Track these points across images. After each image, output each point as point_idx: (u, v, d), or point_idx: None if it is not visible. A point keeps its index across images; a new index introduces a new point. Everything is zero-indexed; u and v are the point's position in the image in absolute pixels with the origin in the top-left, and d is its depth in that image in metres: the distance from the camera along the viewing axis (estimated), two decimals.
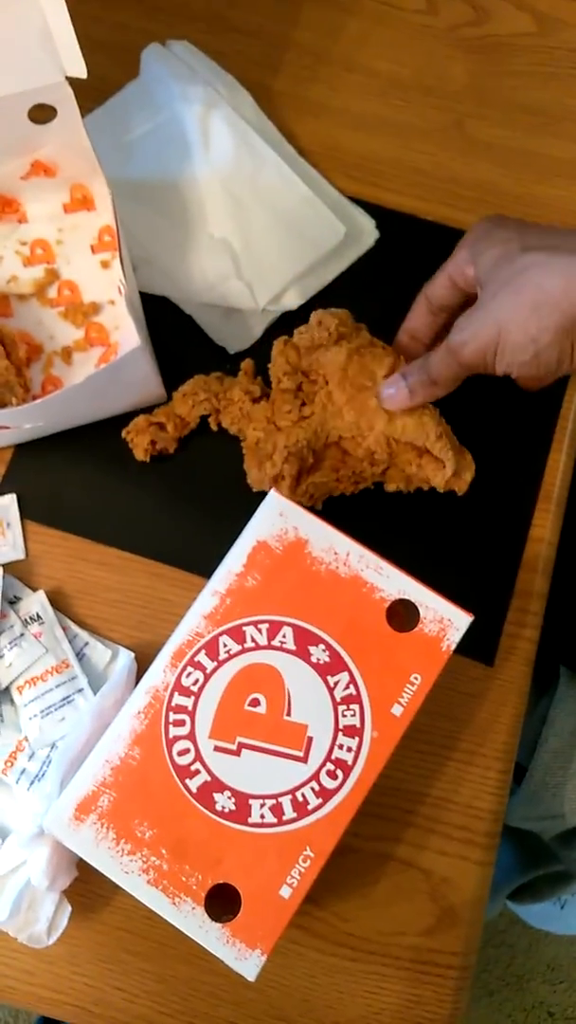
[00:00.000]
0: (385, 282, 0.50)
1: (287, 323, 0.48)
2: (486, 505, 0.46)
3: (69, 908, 0.39)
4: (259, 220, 0.49)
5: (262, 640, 0.37)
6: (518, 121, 0.53)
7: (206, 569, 0.45)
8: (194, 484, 0.47)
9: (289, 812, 0.36)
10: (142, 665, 0.41)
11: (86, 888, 0.40)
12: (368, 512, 0.46)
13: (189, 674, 0.37)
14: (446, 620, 0.38)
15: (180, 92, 0.50)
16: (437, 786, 0.43)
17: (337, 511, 0.45)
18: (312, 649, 0.37)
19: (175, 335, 0.49)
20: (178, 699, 0.37)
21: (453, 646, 0.37)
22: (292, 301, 0.49)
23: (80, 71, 0.40)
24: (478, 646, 0.45)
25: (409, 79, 0.54)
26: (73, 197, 0.50)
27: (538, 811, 0.54)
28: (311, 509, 0.44)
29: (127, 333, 0.47)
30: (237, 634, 0.37)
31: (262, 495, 0.45)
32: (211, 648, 0.37)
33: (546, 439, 0.48)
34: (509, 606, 0.46)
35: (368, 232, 0.51)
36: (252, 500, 0.45)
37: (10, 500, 0.46)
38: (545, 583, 0.47)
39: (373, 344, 0.45)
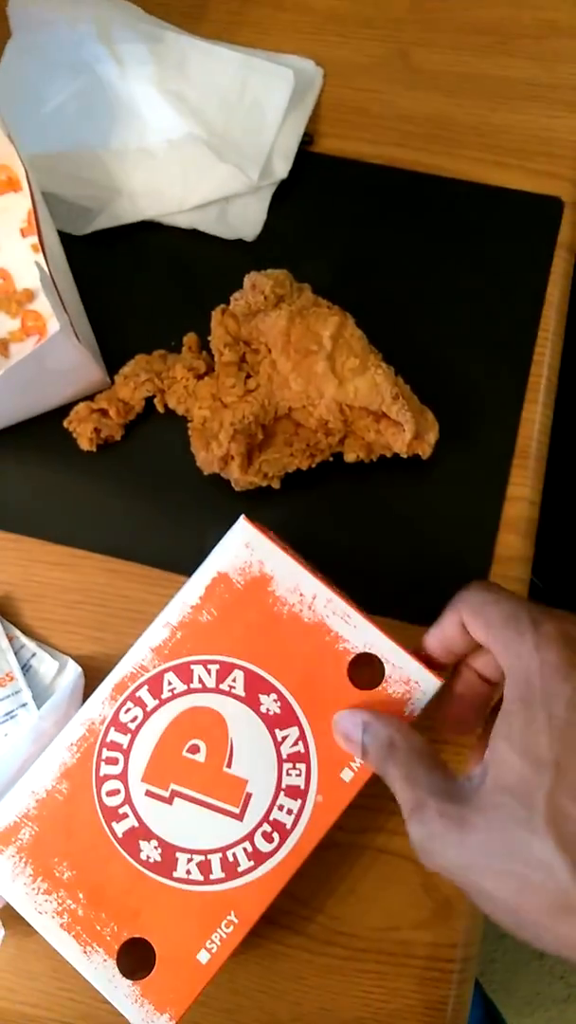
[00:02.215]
0: (334, 234, 0.46)
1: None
2: (458, 466, 0.43)
3: (2, 932, 0.37)
4: (209, 103, 0.47)
5: (210, 682, 0.34)
6: (468, 44, 0.48)
7: (163, 561, 0.43)
8: (145, 472, 0.44)
9: (217, 871, 0.33)
10: (104, 668, 0.39)
11: None
12: (331, 484, 0.43)
13: (128, 710, 0.34)
14: (413, 682, 0.34)
15: (69, 32, 0.48)
16: None
17: (297, 486, 0.43)
18: (263, 698, 0.34)
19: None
20: (113, 735, 0.34)
21: (418, 711, 0.34)
22: (281, 168, 0.46)
23: None
24: None
25: (345, 12, 0.49)
26: None
27: None
28: (268, 492, 0.41)
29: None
30: (184, 672, 0.35)
31: (218, 481, 0.43)
32: (155, 685, 0.35)
33: (520, 389, 0.44)
34: (489, 572, 0.42)
35: (313, 72, 0.49)
36: (206, 486, 0.43)
37: None
38: (529, 546, 0.43)
39: (317, 304, 0.41)
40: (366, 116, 0.48)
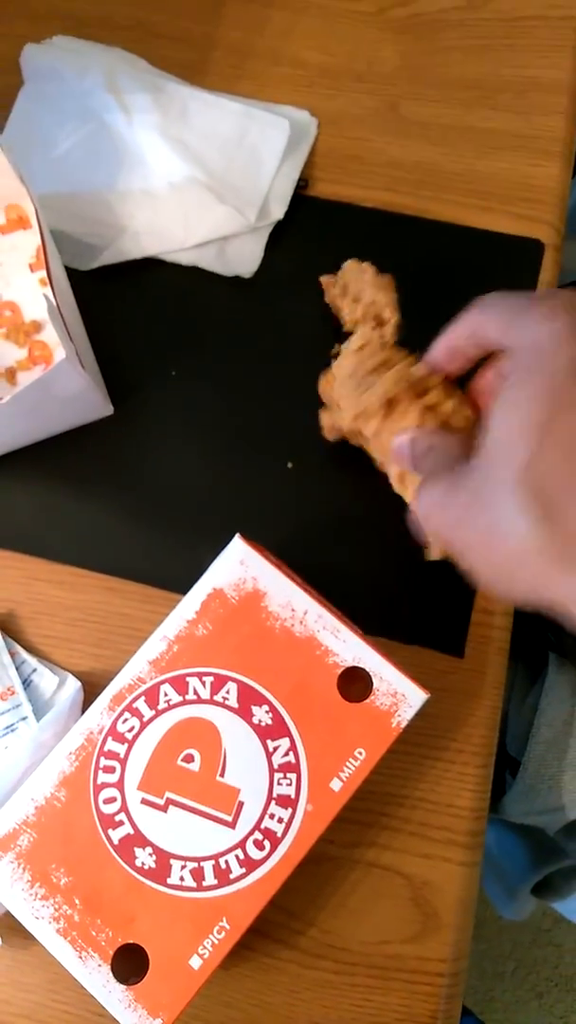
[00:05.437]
0: (326, 272, 0.49)
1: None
2: None
3: None
4: (210, 149, 0.50)
5: (204, 694, 0.36)
6: (454, 97, 0.52)
7: (161, 581, 0.45)
8: (145, 494, 0.46)
9: (210, 878, 0.34)
10: (102, 684, 0.41)
11: None
12: (316, 504, 0.45)
13: (125, 720, 0.36)
14: (400, 695, 0.35)
15: (78, 82, 0.51)
16: (413, 786, 0.42)
17: (287, 510, 0.44)
18: (255, 709, 0.36)
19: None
20: (111, 744, 0.35)
21: (404, 723, 0.35)
22: (277, 210, 0.49)
23: None
24: (445, 637, 0.43)
25: (338, 66, 0.53)
26: (8, 218, 0.50)
27: (536, 805, 0.51)
28: (252, 514, 0.42)
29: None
30: (180, 684, 0.36)
31: (214, 502, 0.44)
32: (151, 696, 0.36)
33: None
34: (476, 594, 0.44)
35: (308, 121, 0.52)
36: (204, 507, 0.45)
37: None
38: None
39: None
40: (358, 163, 0.51)
